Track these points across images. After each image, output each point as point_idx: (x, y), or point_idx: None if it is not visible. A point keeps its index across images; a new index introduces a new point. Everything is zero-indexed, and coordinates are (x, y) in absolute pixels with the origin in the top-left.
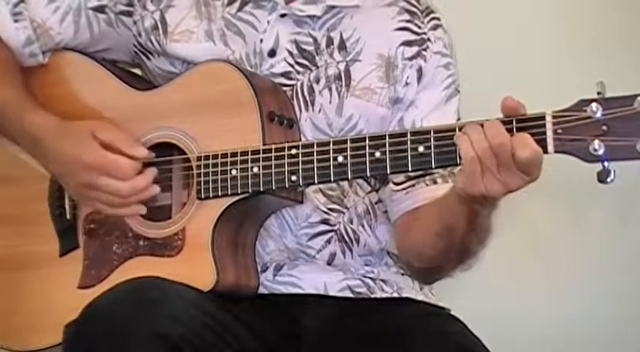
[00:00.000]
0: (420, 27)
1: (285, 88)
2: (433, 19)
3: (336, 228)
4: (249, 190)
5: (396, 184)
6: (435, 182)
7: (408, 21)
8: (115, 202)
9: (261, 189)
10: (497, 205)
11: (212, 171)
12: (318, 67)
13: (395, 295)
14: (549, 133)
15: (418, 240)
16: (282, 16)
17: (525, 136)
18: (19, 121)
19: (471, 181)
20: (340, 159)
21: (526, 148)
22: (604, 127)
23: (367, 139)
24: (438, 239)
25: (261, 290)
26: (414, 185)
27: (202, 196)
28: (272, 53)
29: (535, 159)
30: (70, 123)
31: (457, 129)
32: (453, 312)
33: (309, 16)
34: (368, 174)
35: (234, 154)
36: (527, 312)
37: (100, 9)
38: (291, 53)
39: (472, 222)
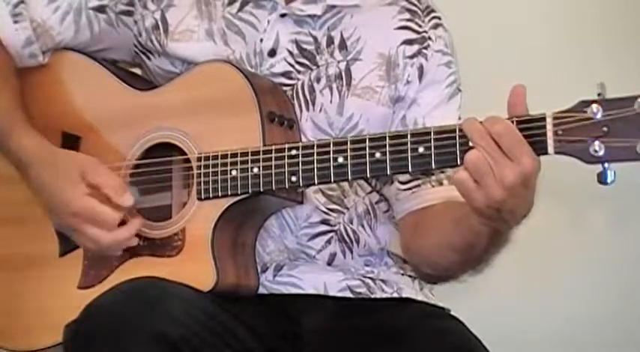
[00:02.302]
0: (420, 26)
1: (285, 88)
2: (434, 17)
3: (336, 228)
4: (249, 191)
5: (402, 183)
6: (440, 183)
7: (408, 20)
8: (96, 248)
9: (261, 190)
10: (518, 221)
11: (212, 172)
12: (318, 67)
13: (395, 295)
14: (550, 134)
15: (432, 250)
16: (283, 15)
17: (492, 117)
18: (6, 137)
19: (468, 199)
20: (340, 159)
21: (497, 121)
22: (604, 128)
23: (367, 140)
24: (455, 254)
25: (261, 290)
26: (419, 185)
27: (202, 196)
28: (272, 53)
29: (509, 129)
30: (58, 154)
31: (457, 130)
32: (453, 312)
33: (309, 16)
34: (368, 175)
35: (234, 155)
36: (527, 312)
37: (100, 9)
38: (291, 53)
39: (493, 239)
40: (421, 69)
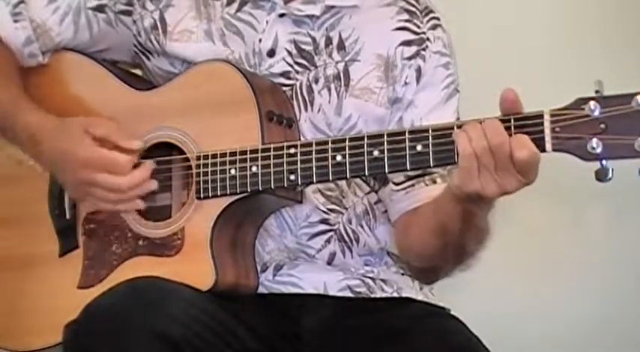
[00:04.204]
0: (419, 27)
1: (284, 88)
2: (432, 18)
3: (335, 227)
4: (248, 190)
5: (396, 184)
6: (434, 182)
7: (407, 21)
8: (113, 198)
9: (260, 189)
10: (493, 206)
11: (211, 171)
12: (317, 67)
13: (395, 295)
14: (547, 132)
15: (416, 239)
16: (281, 15)
17: (523, 137)
18: (14, 121)
19: (467, 178)
20: (339, 158)
21: (524, 149)
22: (602, 126)
23: (365, 138)
24: (434, 238)
25: (261, 289)
26: (413, 185)
27: (202, 196)
28: (271, 53)
29: (532, 161)
30: (62, 120)
31: (455, 128)
32: (453, 312)
33: (307, 16)
34: (366, 173)
35: (233, 154)
36: (527, 312)
37: (99, 9)
38: (290, 53)
39: (468, 223)
40: (419, 70)
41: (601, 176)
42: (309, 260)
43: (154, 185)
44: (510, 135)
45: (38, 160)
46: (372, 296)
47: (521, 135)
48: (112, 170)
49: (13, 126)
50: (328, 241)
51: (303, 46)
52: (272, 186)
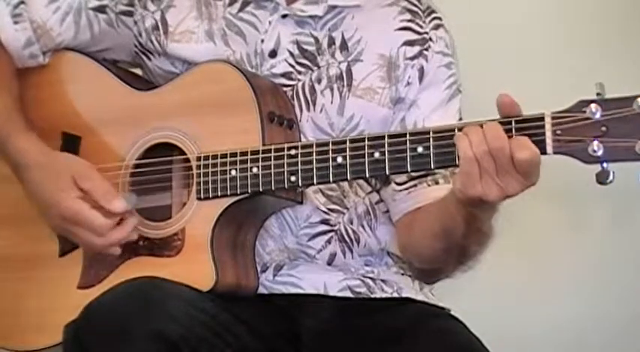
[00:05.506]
0: (421, 27)
1: (285, 88)
2: (435, 18)
3: (336, 228)
4: (249, 190)
5: (398, 184)
6: (436, 182)
7: (409, 21)
8: (89, 249)
9: (261, 190)
10: (497, 209)
11: (212, 172)
12: (319, 67)
13: (395, 295)
14: (548, 134)
15: (417, 241)
16: (284, 16)
17: (524, 138)
18: (4, 140)
19: (468, 182)
20: (339, 159)
21: (525, 150)
22: (603, 128)
23: (366, 140)
24: (436, 240)
25: (261, 290)
26: (415, 185)
27: (202, 196)
28: (273, 54)
29: (533, 161)
30: (54, 157)
31: (456, 130)
32: (453, 312)
33: (310, 17)
34: (367, 175)
35: (233, 154)
36: (526, 313)
37: (100, 9)
38: (292, 54)
39: (471, 225)
40: (421, 70)
41: (602, 179)
42: (309, 260)
43: (133, 237)
44: (511, 137)
45: (22, 184)
46: (372, 296)
47: (522, 136)
48: (89, 229)
49: (3, 145)
50: (329, 241)
51: (305, 47)
52: (272, 187)
